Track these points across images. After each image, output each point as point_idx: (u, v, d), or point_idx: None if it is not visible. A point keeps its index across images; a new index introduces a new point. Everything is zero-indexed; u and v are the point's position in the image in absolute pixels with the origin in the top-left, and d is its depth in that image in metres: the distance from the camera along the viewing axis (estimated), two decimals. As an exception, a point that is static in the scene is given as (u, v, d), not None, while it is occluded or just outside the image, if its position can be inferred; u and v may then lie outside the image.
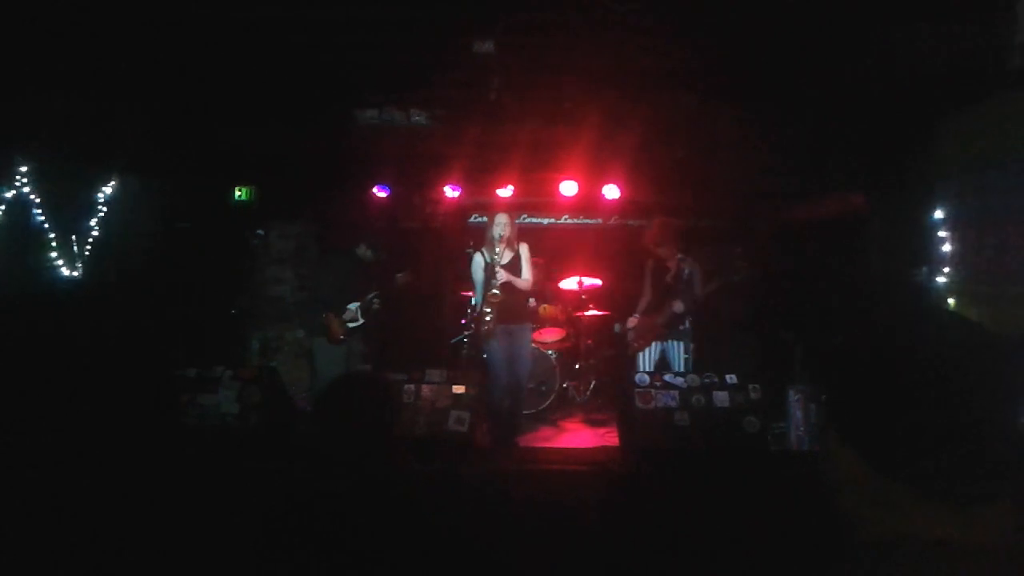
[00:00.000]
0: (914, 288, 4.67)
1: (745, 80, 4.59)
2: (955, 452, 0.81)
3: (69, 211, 5.30)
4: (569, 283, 7.13)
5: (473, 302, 5.97)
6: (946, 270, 4.40)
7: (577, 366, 7.00)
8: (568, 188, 6.99)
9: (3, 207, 4.74)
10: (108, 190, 5.68)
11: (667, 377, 4.68)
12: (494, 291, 5.24)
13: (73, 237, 5.32)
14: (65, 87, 4.48)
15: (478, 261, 5.46)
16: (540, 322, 7.00)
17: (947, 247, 4.41)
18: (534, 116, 5.50)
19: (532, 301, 6.78)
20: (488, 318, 5.27)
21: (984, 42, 3.58)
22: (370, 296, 5.67)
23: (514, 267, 5.37)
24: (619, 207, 7.50)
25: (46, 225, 5.07)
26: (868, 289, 5.34)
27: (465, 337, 6.76)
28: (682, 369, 5.39)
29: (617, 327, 6.61)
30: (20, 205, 4.86)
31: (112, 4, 3.80)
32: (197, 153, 5.94)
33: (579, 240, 7.82)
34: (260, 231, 6.96)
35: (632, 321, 5.72)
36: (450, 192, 7.31)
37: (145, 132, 5.31)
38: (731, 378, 4.64)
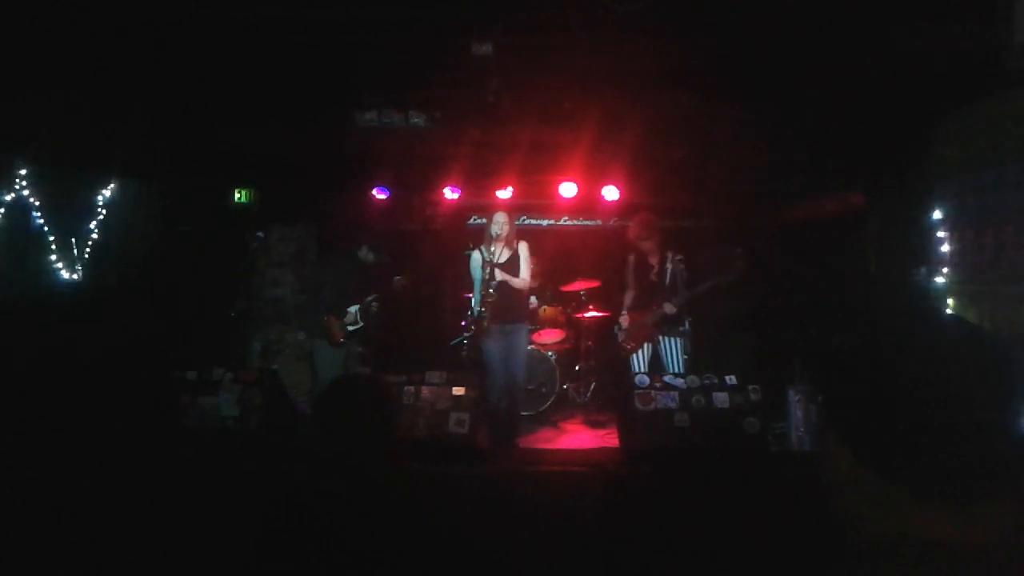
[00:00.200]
0: (913, 288, 4.67)
1: (745, 80, 4.59)
2: (954, 452, 0.81)
3: (69, 214, 5.30)
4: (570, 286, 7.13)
5: (473, 303, 5.98)
6: (945, 270, 4.40)
7: (577, 367, 7.00)
8: (567, 190, 6.99)
9: (3, 210, 4.74)
10: (108, 192, 5.68)
11: (667, 378, 4.68)
12: (489, 290, 5.24)
13: (73, 240, 5.32)
14: (65, 88, 4.47)
15: (476, 259, 5.47)
16: (540, 323, 7.00)
17: (946, 247, 4.41)
18: (533, 117, 5.50)
19: (534, 300, 6.77)
20: (482, 317, 5.27)
21: (983, 42, 3.58)
22: (369, 299, 5.67)
23: (512, 266, 5.38)
24: (618, 208, 7.50)
25: (46, 228, 5.07)
26: (867, 289, 5.34)
27: (465, 339, 6.76)
28: (681, 369, 5.39)
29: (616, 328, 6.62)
30: (20, 208, 4.86)
31: (112, 4, 3.80)
32: (197, 155, 5.94)
33: (579, 241, 7.82)
34: (260, 234, 6.96)
35: (624, 320, 5.71)
36: (449, 194, 7.31)
37: (145, 134, 5.31)
38: (731, 379, 4.63)
